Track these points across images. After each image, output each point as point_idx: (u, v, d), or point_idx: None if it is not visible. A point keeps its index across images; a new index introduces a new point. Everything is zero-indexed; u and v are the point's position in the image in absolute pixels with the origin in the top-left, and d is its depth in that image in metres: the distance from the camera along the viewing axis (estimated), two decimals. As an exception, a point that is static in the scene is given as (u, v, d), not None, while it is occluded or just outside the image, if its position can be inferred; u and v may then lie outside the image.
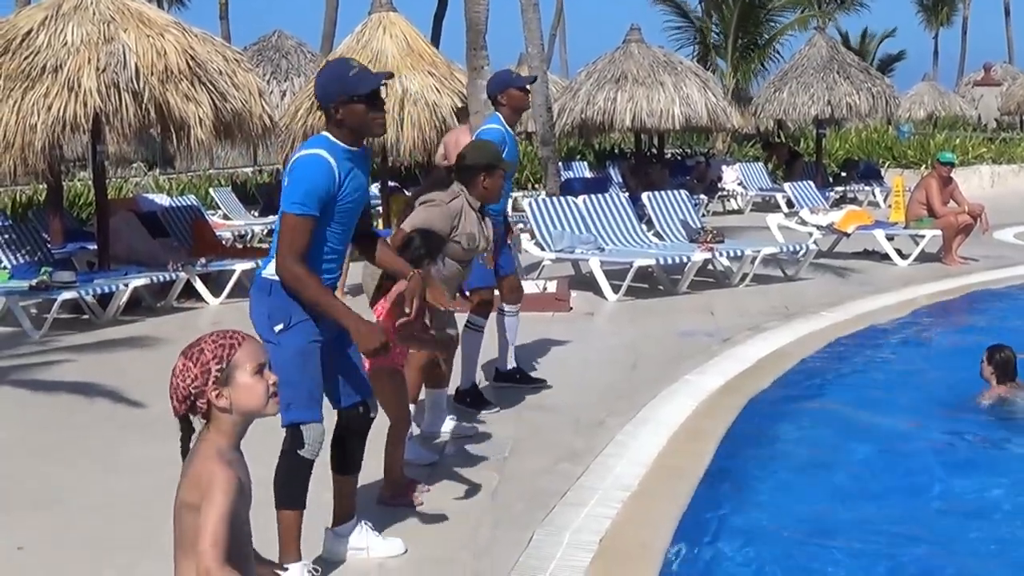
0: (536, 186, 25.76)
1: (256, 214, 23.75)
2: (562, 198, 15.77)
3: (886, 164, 32.59)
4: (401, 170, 24.49)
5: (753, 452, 8.04)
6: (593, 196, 16.12)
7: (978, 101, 52.18)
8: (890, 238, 17.37)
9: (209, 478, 3.35)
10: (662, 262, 14.40)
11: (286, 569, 4.31)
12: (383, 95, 5.39)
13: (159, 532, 6.05)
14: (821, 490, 7.41)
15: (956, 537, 6.57)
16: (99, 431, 8.65)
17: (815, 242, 16.25)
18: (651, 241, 15.79)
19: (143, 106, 13.22)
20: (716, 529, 6.52)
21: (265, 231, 22.08)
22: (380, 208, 20.16)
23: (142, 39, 13.47)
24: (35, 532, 6.40)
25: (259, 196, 25.00)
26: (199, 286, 14.71)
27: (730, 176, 28.39)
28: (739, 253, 15.05)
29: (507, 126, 8.82)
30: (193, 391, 3.42)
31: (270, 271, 5.26)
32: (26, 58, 13.25)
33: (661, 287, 14.81)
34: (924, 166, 31.55)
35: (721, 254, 14.83)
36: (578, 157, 31.02)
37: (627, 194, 18.29)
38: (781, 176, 29.80)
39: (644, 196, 16.57)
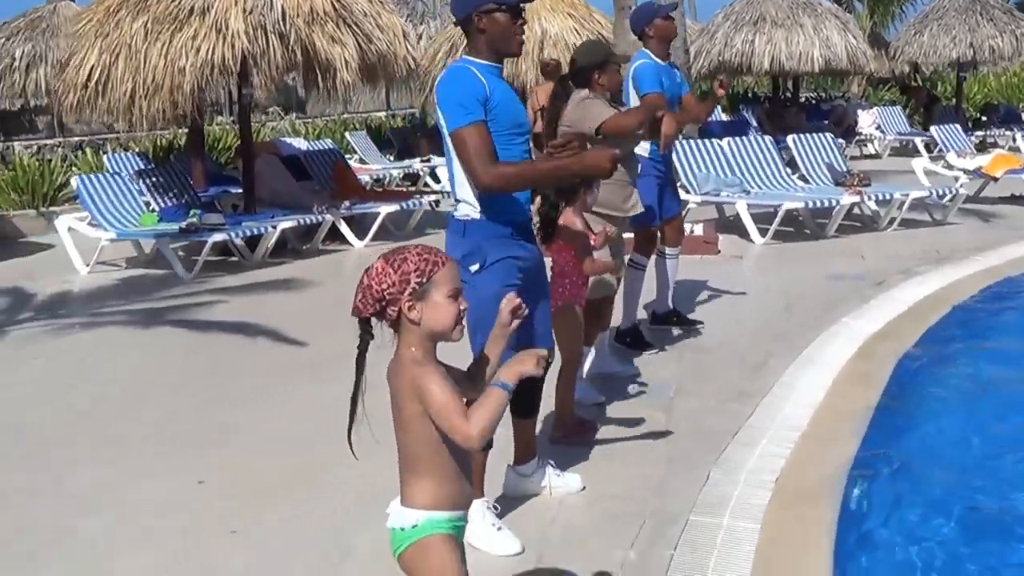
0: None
1: (392, 158, 23.85)
2: (706, 140, 15.59)
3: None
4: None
5: (918, 396, 7.89)
6: (737, 139, 15.93)
7: None
8: (1041, 182, 16.96)
9: (417, 382, 3.36)
10: (810, 205, 14.18)
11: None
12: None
13: (324, 469, 6.27)
14: (987, 431, 7.24)
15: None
16: (264, 371, 8.76)
17: (962, 186, 15.88)
18: (796, 184, 15.56)
19: (289, 48, 13.31)
20: (890, 470, 6.42)
21: (401, 175, 22.20)
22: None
23: (287, -20, 13.52)
24: (213, 469, 6.50)
25: (394, 140, 25.09)
26: (344, 229, 14.84)
27: (866, 120, 27.90)
28: (887, 197, 14.77)
29: (658, 59, 8.68)
30: (387, 296, 3.39)
31: (463, 211, 5.18)
32: (173, 1, 13.36)
33: (808, 231, 14.60)
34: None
35: (869, 198, 14.56)
36: (711, 100, 30.63)
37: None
38: (919, 121, 29.23)
39: (789, 139, 16.32)
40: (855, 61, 24.62)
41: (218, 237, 13.02)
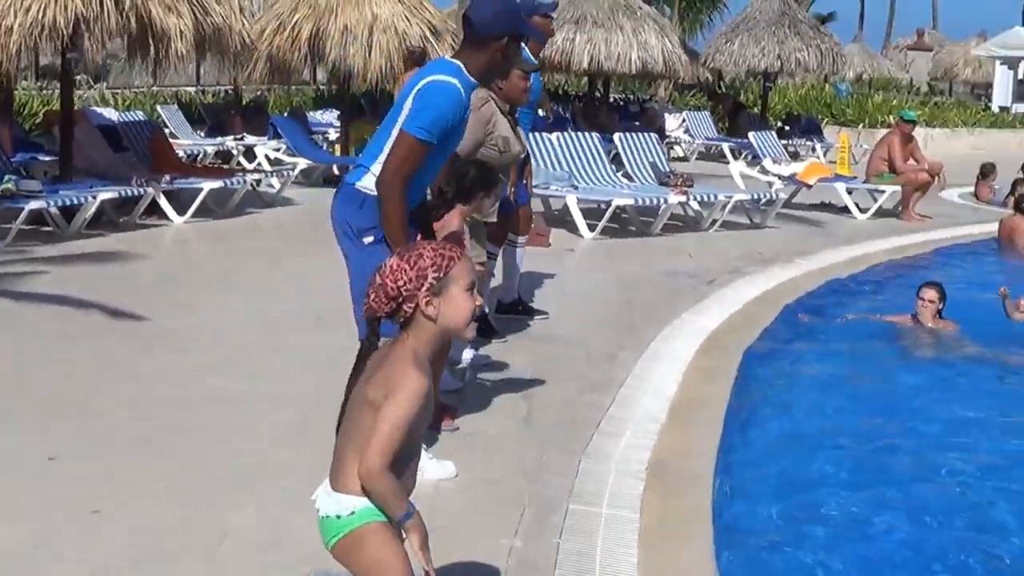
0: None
1: (203, 134, 23.38)
2: (535, 134, 15.63)
3: (824, 121, 32.79)
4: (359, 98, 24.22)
5: (765, 388, 8.14)
6: (566, 134, 16.05)
7: (909, 64, 52.72)
8: (849, 192, 17.51)
9: (402, 380, 3.27)
10: (640, 203, 14.36)
11: None
12: None
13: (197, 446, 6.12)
14: (833, 419, 7.67)
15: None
16: (99, 342, 8.47)
17: (780, 191, 16.33)
18: (622, 182, 15.74)
19: (124, 14, 12.86)
20: (752, 458, 6.67)
21: (214, 152, 21.76)
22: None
23: (124, -55, 13.08)
24: (64, 441, 6.24)
25: (206, 116, 24.62)
26: (163, 203, 14.43)
27: (672, 124, 28.45)
28: (711, 198, 15.07)
29: (531, 56, 8.63)
30: (404, 292, 3.34)
31: (365, 183, 5.22)
32: (2, -42, 12.81)
33: (633, 228, 14.80)
34: (862, 124, 31.91)
35: (694, 198, 14.83)
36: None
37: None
38: (725, 127, 29.92)
39: (616, 137, 16.51)
40: (671, 65, 25.02)
41: (35, 205, 12.50)
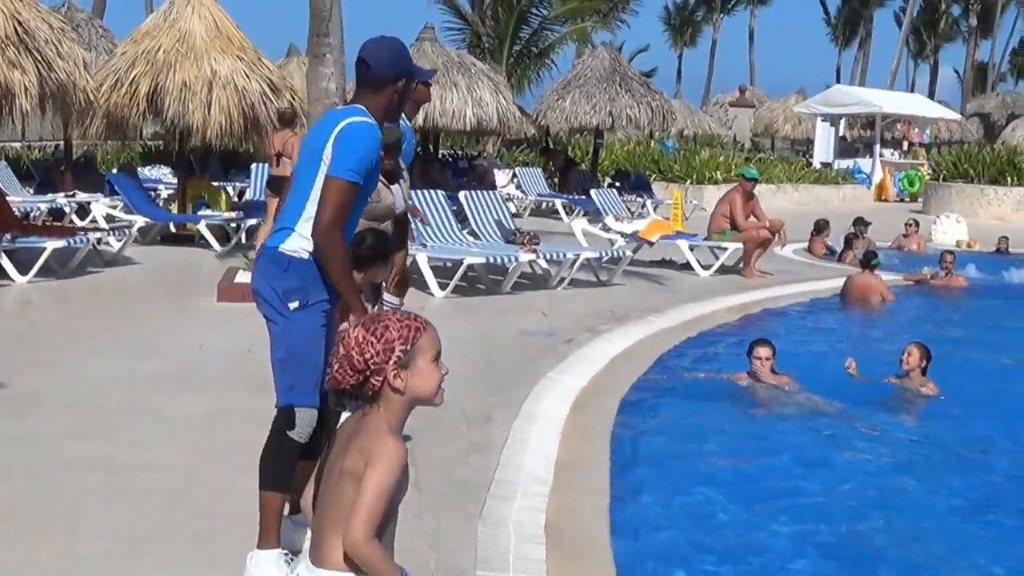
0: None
1: (31, 191, 22.83)
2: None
3: (653, 177, 33.43)
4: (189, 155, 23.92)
5: (640, 446, 8.34)
6: (411, 192, 16.06)
7: (732, 121, 54.17)
8: (691, 248, 17.88)
9: (381, 451, 3.28)
10: (491, 261, 14.49)
11: None
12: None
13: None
14: (714, 470, 8.14)
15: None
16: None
17: (630, 249, 16.63)
18: (468, 239, 15.85)
19: (-35, 71, 12.59)
20: (645, 516, 6.93)
21: (47, 209, 21.27)
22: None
23: (-35, 0, 12.82)
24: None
25: (35, 172, 24.06)
26: (5, 263, 14.08)
27: (503, 179, 28.70)
28: (560, 256, 15.26)
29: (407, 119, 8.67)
30: (372, 366, 3.32)
31: (290, 245, 5.17)
32: None
33: (482, 286, 14.91)
34: (690, 181, 32.62)
35: (543, 256, 15.00)
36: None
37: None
38: (555, 183, 30.30)
39: (461, 195, 16.63)
40: (504, 122, 25.36)
41: None
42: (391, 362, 3.34)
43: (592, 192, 21.37)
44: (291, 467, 5.26)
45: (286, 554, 5.25)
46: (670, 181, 32.87)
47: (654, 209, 27.69)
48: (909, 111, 43.80)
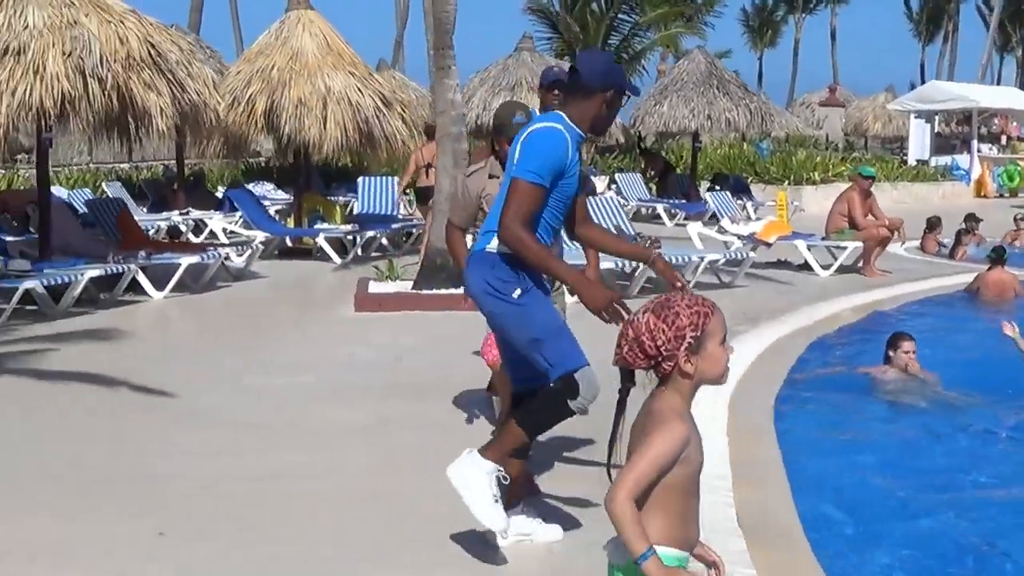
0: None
1: (145, 210, 23.26)
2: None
3: (749, 179, 33.32)
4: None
5: (807, 440, 8.48)
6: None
7: (823, 121, 53.86)
8: (809, 248, 17.85)
9: (660, 423, 3.38)
10: (618, 266, 14.57)
11: None
12: None
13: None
14: (878, 460, 8.28)
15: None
16: (138, 418, 8.56)
17: (752, 251, 16.66)
18: (575, 246, 15.90)
19: (106, 93, 12.89)
20: (826, 506, 7.08)
21: (165, 227, 21.68)
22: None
23: (104, 25, 13.12)
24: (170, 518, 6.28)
25: (148, 192, 24.50)
26: (143, 279, 14.41)
27: (600, 186, 28.78)
28: (685, 259, 15.33)
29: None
30: (664, 352, 3.41)
31: (492, 245, 5.38)
32: (-16, 39, 12.80)
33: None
34: (788, 182, 32.48)
35: (669, 260, 15.02)
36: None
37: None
38: (655, 188, 30.31)
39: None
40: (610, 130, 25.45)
41: (30, 284, 12.44)
42: (682, 348, 3.41)
43: (708, 195, 21.47)
44: (550, 425, 5.52)
45: (500, 471, 5.40)
46: (767, 183, 32.74)
47: (754, 211, 27.64)
48: (1006, 104, 43.23)
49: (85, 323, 12.63)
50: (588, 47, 37.03)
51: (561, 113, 5.42)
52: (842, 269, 17.61)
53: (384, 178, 22.74)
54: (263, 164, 29.26)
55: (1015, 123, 45.98)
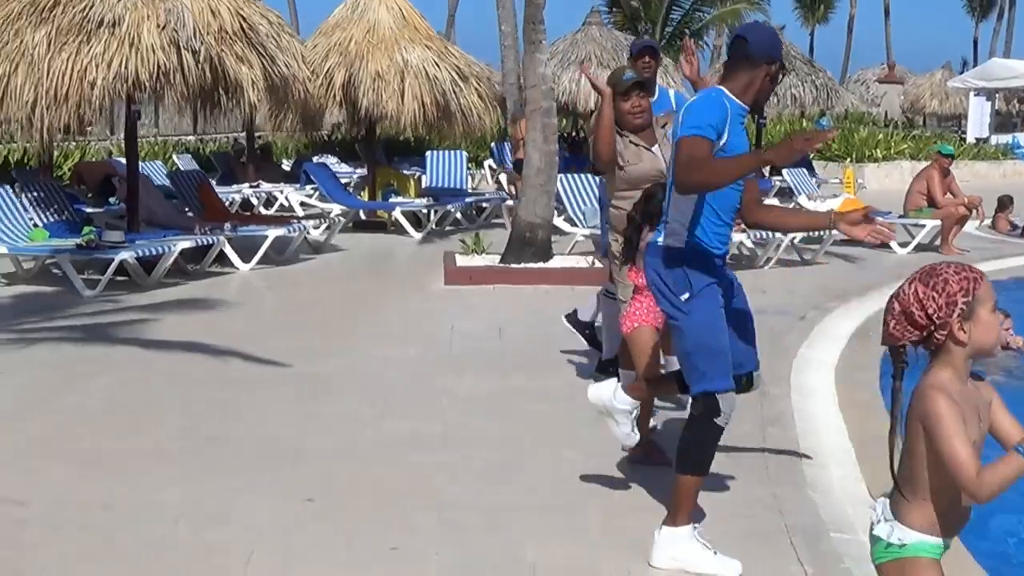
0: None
1: (214, 182, 23.38)
2: (581, 175, 15.91)
3: (811, 156, 33.12)
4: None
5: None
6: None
7: (881, 98, 53.56)
8: (886, 226, 17.76)
9: (924, 412, 3.36)
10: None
11: None
12: None
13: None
14: None
15: None
16: (264, 389, 8.63)
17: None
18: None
19: (200, 66, 13.00)
20: None
21: (240, 199, 21.84)
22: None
23: (195, -3, 13.22)
24: (319, 487, 6.40)
25: (217, 164, 24.64)
26: (229, 251, 14.53)
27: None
28: (767, 236, 15.32)
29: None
30: (936, 321, 3.36)
31: (665, 239, 5.33)
32: (80, 11, 12.90)
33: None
34: (850, 159, 32.31)
35: (752, 236, 15.05)
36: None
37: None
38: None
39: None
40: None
41: (125, 255, 12.59)
42: (955, 315, 3.36)
43: (784, 172, 21.34)
44: (712, 452, 5.36)
45: (696, 528, 5.37)
46: (829, 160, 32.58)
47: (817, 187, 27.49)
48: (1068, 83, 42.92)
49: (180, 293, 12.76)
50: (650, 22, 36.96)
51: (722, 87, 5.36)
52: (919, 248, 17.55)
53: (452, 152, 22.78)
54: (326, 137, 29.32)
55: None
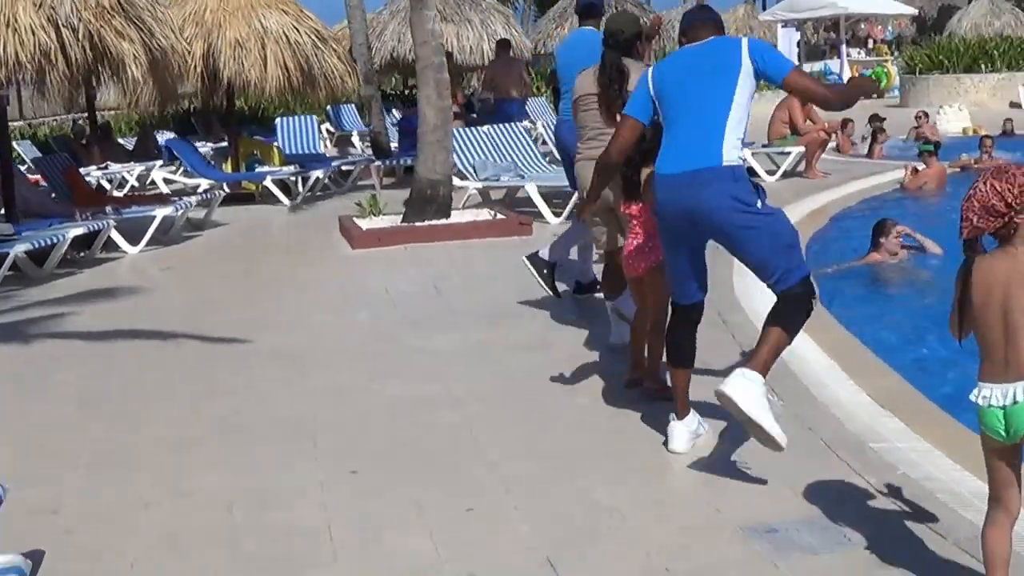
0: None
1: (60, 168, 22.73)
2: (472, 128, 15.94)
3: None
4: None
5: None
6: (499, 126, 16.33)
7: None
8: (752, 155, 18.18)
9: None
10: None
11: None
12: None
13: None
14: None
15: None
16: (236, 366, 8.46)
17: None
18: (551, 167, 16.06)
19: (80, 43, 12.61)
20: None
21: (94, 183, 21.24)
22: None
23: (71, -29, 12.77)
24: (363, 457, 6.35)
25: (57, 148, 23.93)
26: (116, 236, 14.15)
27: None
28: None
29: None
30: (1016, 206, 3.88)
31: (729, 158, 5.57)
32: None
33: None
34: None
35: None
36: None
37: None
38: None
39: (539, 124, 16.91)
40: (520, 54, 25.52)
41: (20, 248, 12.11)
42: None
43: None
44: (802, 325, 5.71)
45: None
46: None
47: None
48: (871, 9, 44.19)
49: (80, 283, 12.34)
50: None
51: None
52: (785, 175, 17.99)
53: (304, 117, 22.56)
54: (182, 112, 28.60)
55: (880, 27, 46.97)
